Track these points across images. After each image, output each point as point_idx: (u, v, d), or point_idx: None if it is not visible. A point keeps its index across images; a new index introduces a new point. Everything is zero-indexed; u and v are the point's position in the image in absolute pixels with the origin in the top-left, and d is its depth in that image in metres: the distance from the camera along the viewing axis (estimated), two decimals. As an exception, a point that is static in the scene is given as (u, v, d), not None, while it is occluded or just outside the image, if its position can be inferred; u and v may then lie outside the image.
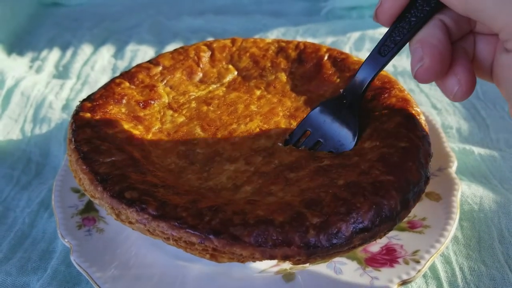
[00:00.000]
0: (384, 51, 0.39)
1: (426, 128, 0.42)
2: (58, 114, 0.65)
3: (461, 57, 0.35)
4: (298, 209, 0.34)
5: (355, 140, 0.41)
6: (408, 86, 0.67)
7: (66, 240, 0.42)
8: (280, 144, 0.43)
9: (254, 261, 0.34)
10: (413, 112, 0.43)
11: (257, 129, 0.45)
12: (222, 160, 0.42)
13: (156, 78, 0.51)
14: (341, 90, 0.43)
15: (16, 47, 0.83)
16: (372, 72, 0.40)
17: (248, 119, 0.46)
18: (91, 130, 0.43)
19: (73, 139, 0.42)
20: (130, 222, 0.36)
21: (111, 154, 0.40)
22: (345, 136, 0.41)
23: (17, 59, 0.79)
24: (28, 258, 0.45)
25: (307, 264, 0.39)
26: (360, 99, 0.41)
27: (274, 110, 0.47)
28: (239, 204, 0.35)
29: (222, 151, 0.43)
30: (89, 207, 0.45)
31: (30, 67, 0.77)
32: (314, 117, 0.43)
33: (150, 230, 0.35)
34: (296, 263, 0.34)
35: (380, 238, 0.36)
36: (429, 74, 0.34)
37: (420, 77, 0.35)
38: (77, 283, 0.42)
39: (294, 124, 0.45)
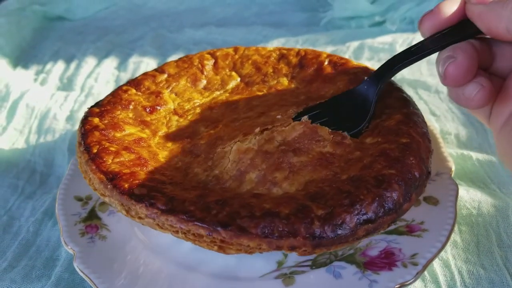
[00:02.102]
0: (415, 51, 0.40)
1: (426, 125, 0.43)
2: (62, 125, 0.66)
3: (481, 73, 0.37)
4: (302, 202, 0.35)
5: (363, 125, 0.42)
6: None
7: (69, 247, 0.42)
8: (279, 117, 0.44)
9: (261, 252, 0.35)
10: (413, 111, 0.44)
11: (257, 114, 0.46)
12: (224, 141, 0.43)
13: (161, 85, 0.53)
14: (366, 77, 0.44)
15: (22, 60, 0.85)
16: (399, 63, 0.41)
17: (249, 109, 0.47)
18: (100, 133, 0.44)
19: (82, 142, 0.43)
20: (140, 217, 0.37)
21: (120, 155, 0.41)
22: (355, 119, 0.43)
23: (22, 72, 0.81)
24: (33, 266, 0.45)
25: (307, 269, 0.40)
26: (381, 86, 0.43)
27: (275, 102, 0.48)
28: (245, 198, 0.36)
29: (223, 134, 0.44)
30: (92, 215, 0.46)
31: (35, 79, 0.79)
32: (329, 102, 0.45)
33: (159, 224, 0.36)
34: (302, 254, 0.34)
35: (384, 230, 0.37)
36: (459, 69, 0.35)
37: (450, 71, 0.35)
38: (80, 289, 0.43)
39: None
